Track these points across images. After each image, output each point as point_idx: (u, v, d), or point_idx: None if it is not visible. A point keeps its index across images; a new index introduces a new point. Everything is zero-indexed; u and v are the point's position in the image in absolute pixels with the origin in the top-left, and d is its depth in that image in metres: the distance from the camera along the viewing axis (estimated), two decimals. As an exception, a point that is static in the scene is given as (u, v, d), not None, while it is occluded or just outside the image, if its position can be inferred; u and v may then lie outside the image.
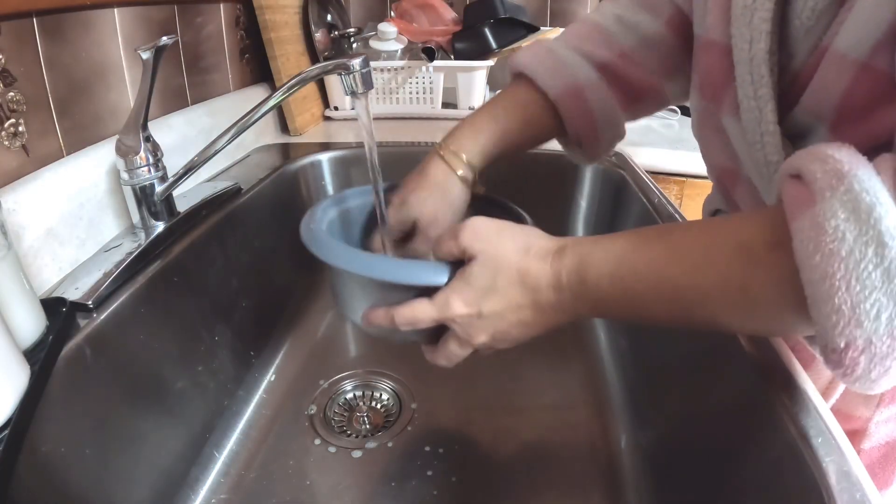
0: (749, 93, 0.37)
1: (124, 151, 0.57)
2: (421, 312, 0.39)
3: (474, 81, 1.13)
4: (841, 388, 0.46)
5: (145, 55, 0.52)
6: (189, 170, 0.59)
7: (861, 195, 0.26)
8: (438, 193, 0.51)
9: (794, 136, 0.37)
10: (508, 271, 0.37)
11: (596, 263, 0.35)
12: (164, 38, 0.52)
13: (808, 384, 0.39)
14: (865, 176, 0.26)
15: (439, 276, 0.39)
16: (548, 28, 1.25)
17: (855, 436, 0.46)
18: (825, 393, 0.46)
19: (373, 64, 1.07)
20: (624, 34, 0.54)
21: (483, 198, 0.55)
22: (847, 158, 0.27)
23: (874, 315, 0.25)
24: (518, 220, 0.52)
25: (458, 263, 0.39)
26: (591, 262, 0.36)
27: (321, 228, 0.47)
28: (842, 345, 0.27)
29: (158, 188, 0.59)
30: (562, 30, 0.56)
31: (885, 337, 0.26)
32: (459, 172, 0.51)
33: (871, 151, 0.30)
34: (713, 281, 0.32)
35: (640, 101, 0.56)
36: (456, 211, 0.52)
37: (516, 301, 0.38)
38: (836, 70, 0.32)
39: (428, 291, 0.40)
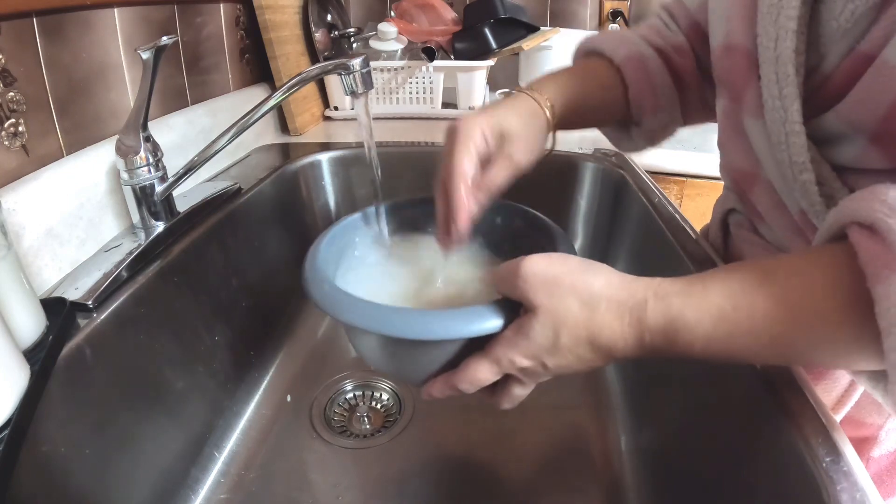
0: (774, 92, 0.37)
1: (124, 151, 0.57)
2: (482, 374, 0.37)
3: (474, 81, 1.13)
4: (854, 398, 0.45)
5: (145, 55, 0.52)
6: (189, 170, 0.59)
7: None
8: (527, 115, 0.48)
9: (821, 141, 0.37)
10: (574, 331, 0.33)
11: (688, 326, 0.31)
12: (164, 38, 0.52)
13: (809, 386, 0.39)
14: None
15: (493, 324, 0.36)
16: (548, 28, 1.25)
17: (865, 443, 0.46)
18: (839, 403, 0.46)
19: (373, 64, 1.07)
20: (670, 33, 0.57)
21: (511, 208, 0.52)
22: None
23: None
24: (549, 235, 0.48)
25: (509, 303, 0.36)
26: (682, 325, 0.31)
27: (332, 281, 0.41)
28: None
29: (158, 188, 0.59)
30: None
31: None
32: (546, 106, 0.49)
33: None
34: (825, 339, 0.30)
35: (688, 92, 0.56)
36: (541, 139, 0.48)
37: (586, 358, 0.34)
38: (884, 81, 0.31)
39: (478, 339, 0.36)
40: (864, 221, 0.28)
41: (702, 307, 0.31)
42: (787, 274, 0.31)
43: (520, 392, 0.39)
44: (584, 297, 0.33)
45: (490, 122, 0.44)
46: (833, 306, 0.29)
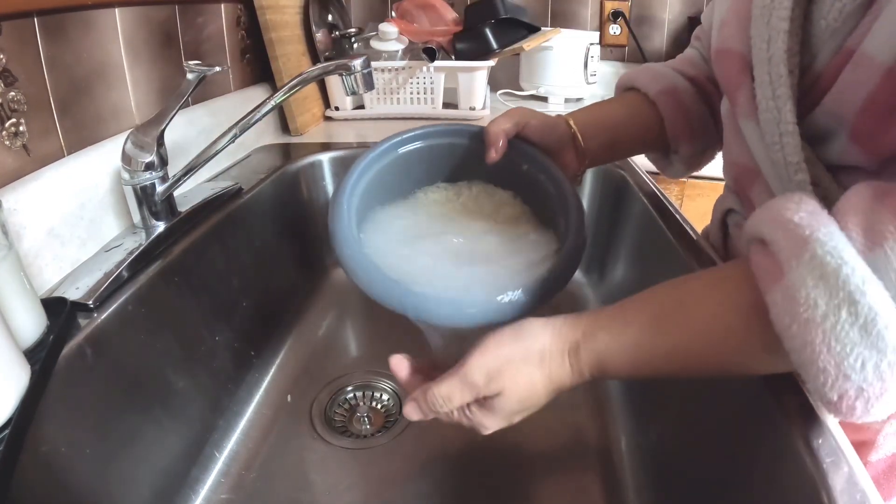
0: (768, 93, 0.37)
1: (134, 156, 0.57)
2: (450, 416, 0.40)
3: (475, 82, 1.13)
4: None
5: (191, 76, 0.56)
6: (190, 170, 0.59)
7: (825, 259, 0.27)
8: (547, 118, 0.54)
9: (813, 139, 0.37)
10: (535, 391, 0.38)
11: (614, 358, 0.36)
12: (217, 67, 0.56)
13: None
14: (827, 237, 0.27)
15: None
16: (549, 28, 1.25)
17: (863, 447, 0.45)
18: None
19: (374, 64, 1.07)
20: (703, 62, 0.60)
21: (539, 163, 0.52)
22: (807, 221, 0.29)
23: (859, 367, 0.27)
24: (552, 178, 0.50)
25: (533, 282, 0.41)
26: (609, 359, 0.36)
27: (360, 242, 0.44)
28: (835, 398, 0.28)
29: (159, 188, 0.59)
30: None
31: (874, 381, 0.27)
32: (566, 120, 0.55)
33: (886, 163, 0.30)
34: (740, 350, 0.34)
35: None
36: (555, 135, 0.53)
37: (543, 402, 0.39)
38: (863, 72, 0.32)
39: None
40: (758, 237, 0.31)
41: (623, 341, 0.36)
42: (696, 299, 0.35)
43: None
44: (535, 360, 0.37)
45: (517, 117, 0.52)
46: (738, 322, 0.33)
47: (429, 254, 0.48)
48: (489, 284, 0.43)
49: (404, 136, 0.52)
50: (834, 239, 0.27)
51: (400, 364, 0.44)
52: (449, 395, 0.38)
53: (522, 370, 0.37)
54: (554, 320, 0.38)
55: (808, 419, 0.36)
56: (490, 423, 0.39)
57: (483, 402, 0.38)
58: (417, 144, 0.53)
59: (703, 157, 0.62)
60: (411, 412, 0.41)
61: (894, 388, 0.27)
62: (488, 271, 0.45)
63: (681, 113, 0.57)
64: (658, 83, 0.58)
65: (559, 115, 0.55)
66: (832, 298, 0.27)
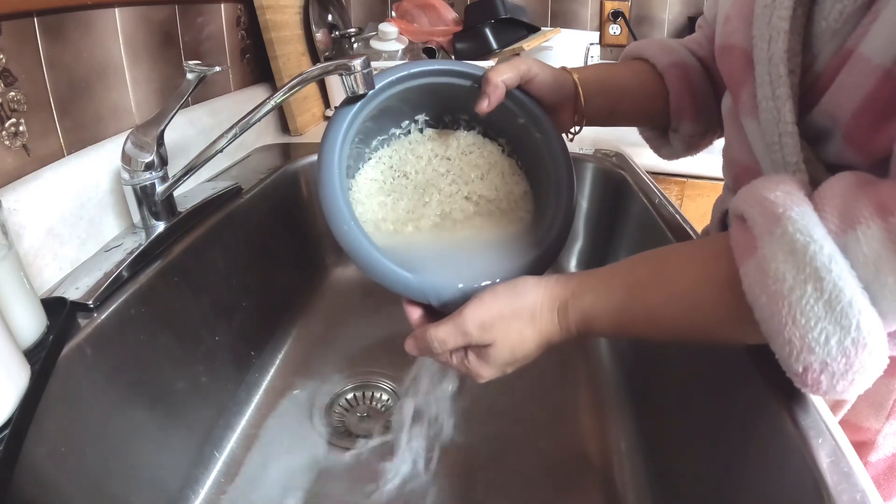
0: (767, 93, 0.38)
1: (134, 156, 0.57)
2: (449, 363, 0.43)
3: (475, 82, 1.13)
4: (852, 399, 0.46)
5: (191, 76, 0.56)
6: (190, 170, 0.59)
7: (795, 236, 0.28)
8: (554, 69, 0.53)
9: (812, 139, 0.38)
10: (525, 344, 0.40)
11: (599, 317, 0.39)
12: (217, 67, 0.57)
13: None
14: (799, 216, 0.29)
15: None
16: (548, 28, 1.25)
17: (863, 447, 0.46)
18: (836, 406, 0.46)
19: (374, 64, 1.07)
20: (709, 44, 0.59)
21: (537, 121, 0.51)
22: (781, 199, 0.30)
23: (823, 341, 0.28)
24: (549, 143, 0.50)
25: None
26: (594, 317, 0.39)
27: (355, 217, 0.44)
28: (800, 369, 0.29)
29: (159, 188, 0.59)
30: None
31: (838, 357, 0.28)
32: (573, 74, 0.55)
33: (877, 164, 0.30)
34: (709, 316, 0.36)
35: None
36: (559, 86, 0.52)
37: (534, 355, 0.42)
38: (860, 74, 0.32)
39: None
40: (738, 213, 0.33)
41: (608, 303, 0.38)
42: (677, 268, 0.37)
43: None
44: (525, 316, 0.40)
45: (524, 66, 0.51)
46: (713, 292, 0.35)
47: (416, 229, 0.50)
48: (478, 268, 0.46)
49: (400, 74, 0.51)
50: (805, 218, 0.29)
51: (413, 305, 0.46)
52: (444, 339, 0.41)
53: (514, 324, 0.40)
54: (547, 279, 0.41)
55: (809, 419, 0.36)
56: (485, 372, 0.42)
57: (478, 351, 0.41)
58: (416, 82, 0.52)
59: (703, 140, 0.61)
60: (410, 347, 0.44)
61: (859, 366, 0.28)
62: (476, 251, 0.48)
63: (688, 88, 0.56)
64: (668, 56, 0.57)
65: (565, 69, 0.54)
66: (799, 273, 0.28)
